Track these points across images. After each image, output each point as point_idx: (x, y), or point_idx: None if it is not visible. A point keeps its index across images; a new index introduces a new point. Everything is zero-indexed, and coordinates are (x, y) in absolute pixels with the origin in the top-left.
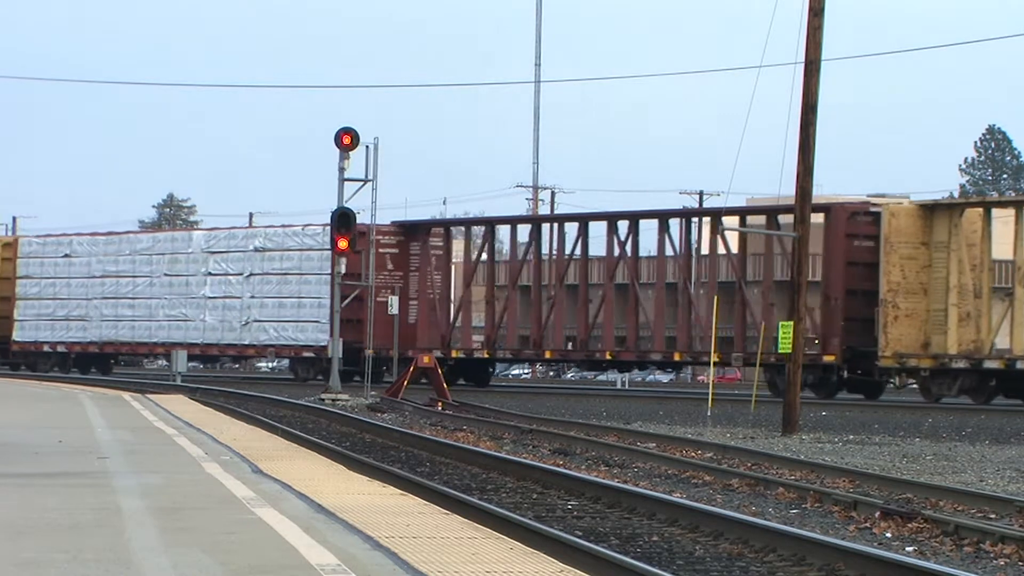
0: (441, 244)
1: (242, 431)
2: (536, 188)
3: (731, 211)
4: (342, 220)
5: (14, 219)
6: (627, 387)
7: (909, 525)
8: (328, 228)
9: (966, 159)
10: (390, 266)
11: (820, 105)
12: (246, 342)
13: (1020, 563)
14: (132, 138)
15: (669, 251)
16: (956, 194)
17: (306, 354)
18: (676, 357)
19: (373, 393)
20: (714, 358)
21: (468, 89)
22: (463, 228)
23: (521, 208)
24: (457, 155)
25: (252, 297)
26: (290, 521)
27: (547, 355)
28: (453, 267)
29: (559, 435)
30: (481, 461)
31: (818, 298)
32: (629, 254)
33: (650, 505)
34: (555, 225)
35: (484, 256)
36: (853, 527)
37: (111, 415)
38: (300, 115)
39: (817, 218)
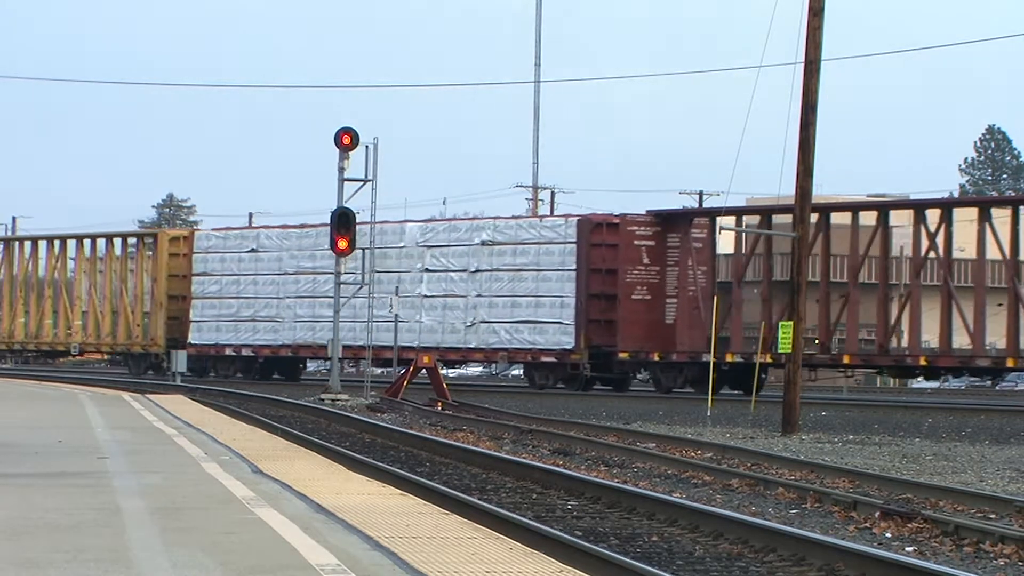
0: (704, 236)
1: (242, 431)
2: (536, 188)
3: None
4: (342, 220)
5: (14, 219)
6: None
7: (909, 525)
8: (569, 220)
9: (966, 159)
10: (646, 260)
11: (820, 105)
12: (472, 345)
13: (1020, 563)
14: (132, 138)
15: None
16: (956, 194)
17: (545, 359)
18: (1009, 363)
19: (373, 393)
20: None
21: (468, 89)
22: (731, 219)
23: (520, 208)
24: (457, 155)
25: (479, 296)
26: (290, 521)
27: (846, 360)
28: (719, 261)
29: (559, 435)
30: (481, 461)
31: None
32: (940, 249)
33: (650, 505)
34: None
35: (758, 249)
36: (853, 527)
37: (111, 415)
38: (299, 115)
39: None
